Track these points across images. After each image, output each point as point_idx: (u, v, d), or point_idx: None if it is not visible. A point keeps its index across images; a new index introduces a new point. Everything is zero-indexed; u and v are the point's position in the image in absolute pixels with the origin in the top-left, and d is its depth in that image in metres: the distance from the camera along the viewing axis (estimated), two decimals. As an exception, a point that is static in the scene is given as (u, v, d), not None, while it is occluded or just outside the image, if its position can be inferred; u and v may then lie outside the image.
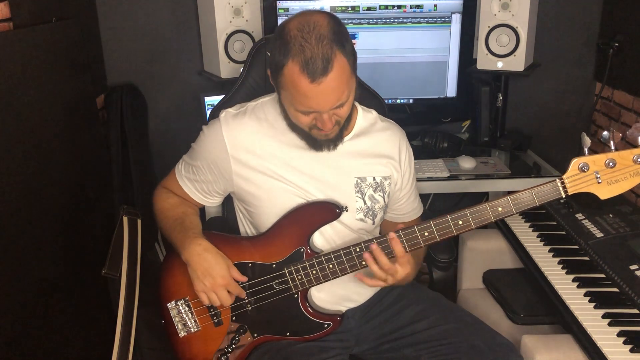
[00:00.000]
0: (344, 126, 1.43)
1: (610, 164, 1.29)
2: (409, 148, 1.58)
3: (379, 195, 1.51)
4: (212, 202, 1.58)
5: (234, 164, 1.46)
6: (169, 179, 1.60)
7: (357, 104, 1.55)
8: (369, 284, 1.41)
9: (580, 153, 1.32)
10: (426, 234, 1.36)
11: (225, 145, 1.46)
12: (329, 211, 1.44)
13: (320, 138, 1.40)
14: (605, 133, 1.31)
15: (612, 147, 1.30)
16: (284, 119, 1.44)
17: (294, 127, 1.42)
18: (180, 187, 1.56)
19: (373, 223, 1.52)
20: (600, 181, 1.30)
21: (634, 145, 1.29)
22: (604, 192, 1.31)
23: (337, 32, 1.28)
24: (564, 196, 1.31)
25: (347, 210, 1.46)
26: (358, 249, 1.39)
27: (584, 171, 1.30)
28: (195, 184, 1.55)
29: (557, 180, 1.31)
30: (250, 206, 1.50)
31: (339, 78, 1.28)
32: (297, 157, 1.46)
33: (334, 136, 1.41)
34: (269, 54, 1.41)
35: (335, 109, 1.33)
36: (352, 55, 1.32)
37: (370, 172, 1.50)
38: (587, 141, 1.33)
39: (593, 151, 1.32)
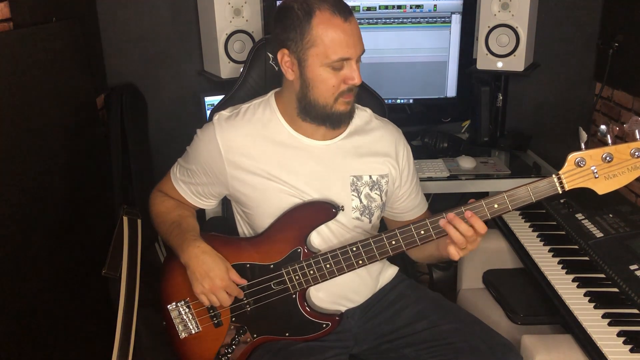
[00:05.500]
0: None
1: (607, 158, 1.27)
2: (407, 146, 1.58)
3: (375, 193, 1.51)
4: (208, 204, 1.58)
5: (229, 166, 1.46)
6: (164, 183, 1.60)
7: None
8: (455, 257, 1.35)
9: (578, 148, 1.31)
10: (422, 232, 1.36)
11: (219, 148, 1.46)
12: (325, 211, 1.44)
13: (342, 110, 1.41)
14: (602, 127, 1.28)
15: (610, 142, 1.28)
16: (295, 107, 1.43)
17: (309, 110, 1.41)
18: (176, 190, 1.57)
19: (370, 221, 1.52)
20: (597, 176, 1.28)
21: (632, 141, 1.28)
22: (602, 187, 1.29)
23: None
24: (560, 192, 1.30)
25: (343, 210, 1.46)
26: (355, 249, 1.39)
27: (580, 166, 1.28)
28: (191, 186, 1.55)
29: (554, 176, 1.30)
30: (247, 208, 1.50)
31: (357, 22, 1.38)
32: (291, 157, 1.46)
33: (351, 108, 1.44)
34: (269, 55, 1.41)
35: (359, 59, 1.39)
36: None
37: (366, 170, 1.50)
38: (584, 135, 1.31)
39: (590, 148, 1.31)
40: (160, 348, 1.66)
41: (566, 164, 1.29)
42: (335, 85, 1.37)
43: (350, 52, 1.34)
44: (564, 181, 1.29)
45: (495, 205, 1.33)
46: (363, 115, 1.55)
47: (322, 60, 1.34)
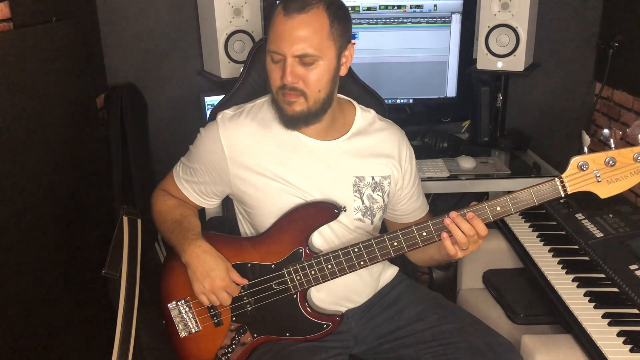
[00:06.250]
0: (315, 113, 1.40)
1: (610, 162, 1.28)
2: (410, 147, 1.58)
3: (377, 195, 1.51)
4: (210, 203, 1.58)
5: (232, 165, 1.46)
6: (166, 182, 1.60)
7: (355, 103, 1.55)
8: (455, 256, 1.36)
9: (580, 152, 1.31)
10: (424, 233, 1.36)
11: (222, 147, 1.46)
12: (327, 211, 1.44)
13: (286, 109, 1.39)
14: (605, 131, 1.29)
15: (613, 146, 1.29)
16: (270, 96, 1.46)
17: (274, 100, 1.42)
18: (178, 189, 1.57)
19: (372, 223, 1.52)
20: (600, 180, 1.29)
21: (634, 144, 1.28)
22: (604, 191, 1.30)
23: (334, 2, 1.36)
24: (563, 195, 1.30)
25: (345, 210, 1.46)
26: (356, 249, 1.39)
27: (583, 170, 1.29)
28: (193, 185, 1.55)
29: (556, 179, 1.30)
30: (249, 207, 1.50)
31: (311, 25, 1.32)
32: (294, 157, 1.46)
33: (297, 112, 1.38)
34: None
35: (300, 60, 1.33)
36: (336, 23, 1.35)
37: (369, 171, 1.50)
38: (587, 139, 1.32)
39: (592, 151, 1.31)
40: (160, 348, 1.66)
41: (569, 167, 1.30)
42: (275, 78, 1.37)
43: (281, 47, 1.33)
44: (566, 184, 1.30)
45: (498, 208, 1.33)
46: (367, 116, 1.55)
47: (267, 49, 1.38)
